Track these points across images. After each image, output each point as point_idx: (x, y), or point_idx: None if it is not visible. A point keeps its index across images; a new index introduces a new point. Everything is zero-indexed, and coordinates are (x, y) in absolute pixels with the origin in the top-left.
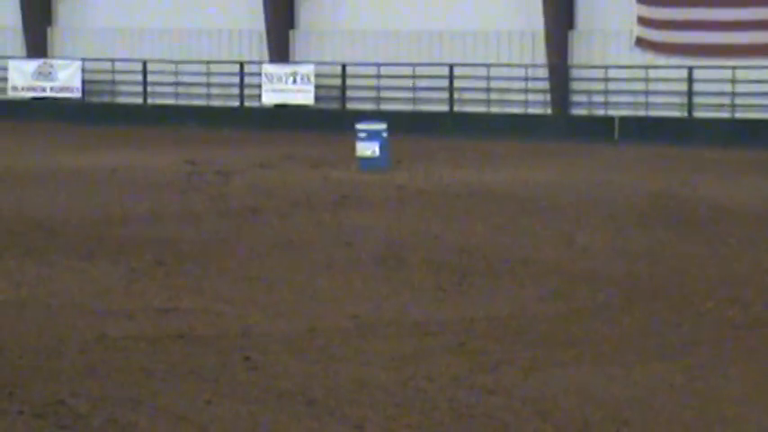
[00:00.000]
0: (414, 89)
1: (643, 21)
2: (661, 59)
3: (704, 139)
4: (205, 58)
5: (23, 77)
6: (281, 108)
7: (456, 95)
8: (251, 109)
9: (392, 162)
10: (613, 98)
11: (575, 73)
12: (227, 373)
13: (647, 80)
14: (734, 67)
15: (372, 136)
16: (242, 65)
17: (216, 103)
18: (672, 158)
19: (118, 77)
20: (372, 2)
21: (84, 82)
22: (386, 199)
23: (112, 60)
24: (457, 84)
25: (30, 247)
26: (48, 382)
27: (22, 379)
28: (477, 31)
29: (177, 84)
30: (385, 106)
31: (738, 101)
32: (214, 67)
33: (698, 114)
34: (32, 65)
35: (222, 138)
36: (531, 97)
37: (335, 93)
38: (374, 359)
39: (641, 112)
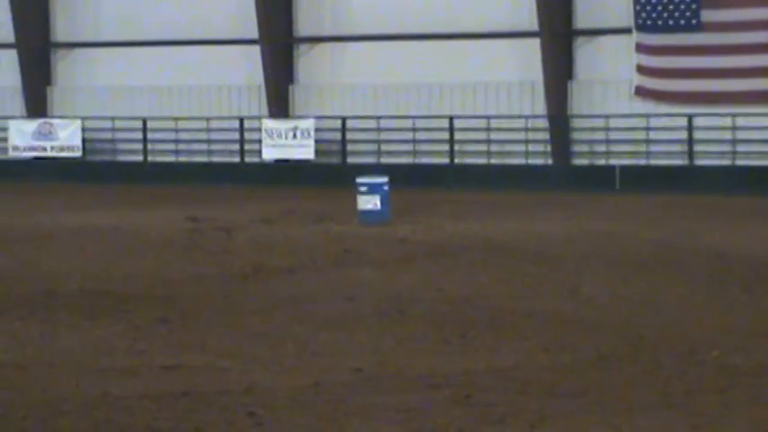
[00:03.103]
0: (414, 142)
1: (642, 70)
2: (661, 108)
3: (705, 186)
4: (205, 114)
5: (23, 137)
6: (281, 163)
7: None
8: (251, 165)
9: (393, 215)
10: (614, 147)
11: (575, 123)
12: (232, 430)
13: (647, 129)
14: (734, 115)
15: (373, 189)
16: (242, 121)
17: (216, 159)
18: (673, 206)
19: (118, 135)
20: (371, 55)
21: (84, 141)
22: (388, 252)
23: (112, 119)
24: (457, 136)
25: (33, 306)
26: None
27: None
28: (477, 82)
29: (177, 141)
30: (385, 160)
31: (739, 148)
32: (214, 124)
33: (699, 162)
34: (32, 125)
35: (223, 194)
36: (531, 148)
37: (336, 147)
38: (379, 413)
39: (642, 161)
